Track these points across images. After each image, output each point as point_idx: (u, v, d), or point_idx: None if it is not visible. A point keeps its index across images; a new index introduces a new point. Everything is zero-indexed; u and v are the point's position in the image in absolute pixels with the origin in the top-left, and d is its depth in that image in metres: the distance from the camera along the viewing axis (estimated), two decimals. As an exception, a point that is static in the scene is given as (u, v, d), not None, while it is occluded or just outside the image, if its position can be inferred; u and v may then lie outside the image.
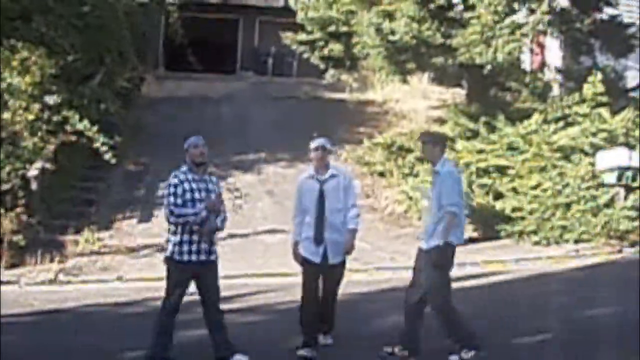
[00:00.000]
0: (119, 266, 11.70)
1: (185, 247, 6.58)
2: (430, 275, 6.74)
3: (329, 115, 19.15)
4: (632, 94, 16.27)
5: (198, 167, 6.75)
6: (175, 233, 6.65)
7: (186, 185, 6.64)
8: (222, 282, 6.86)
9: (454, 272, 6.84)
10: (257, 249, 12.42)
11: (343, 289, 7.38)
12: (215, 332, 6.64)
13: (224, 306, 6.81)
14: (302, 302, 7.06)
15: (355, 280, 7.13)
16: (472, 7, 14.45)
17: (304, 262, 7.09)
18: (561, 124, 13.98)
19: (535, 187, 13.03)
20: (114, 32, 17.15)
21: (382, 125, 18.74)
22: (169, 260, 6.71)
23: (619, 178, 12.74)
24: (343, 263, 7.21)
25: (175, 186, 6.63)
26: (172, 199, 6.59)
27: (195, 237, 6.58)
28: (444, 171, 6.93)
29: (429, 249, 6.77)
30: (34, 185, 12.46)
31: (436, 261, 6.72)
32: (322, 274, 7.09)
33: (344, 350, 7.13)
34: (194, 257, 6.58)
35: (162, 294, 6.62)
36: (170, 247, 6.69)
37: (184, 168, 6.78)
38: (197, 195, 6.62)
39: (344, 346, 7.18)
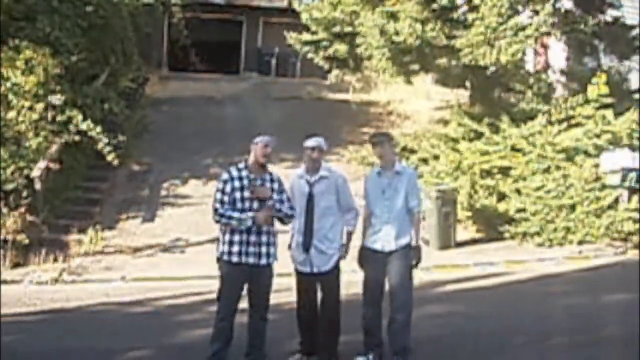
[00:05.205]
0: (122, 266, 11.71)
1: (236, 248, 6.17)
2: (407, 273, 6.69)
3: (333, 115, 19.16)
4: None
5: (259, 167, 6.38)
6: (225, 232, 6.24)
7: (236, 183, 6.23)
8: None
9: (459, 273, 6.82)
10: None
11: (346, 290, 7.01)
12: (251, 338, 6.33)
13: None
14: (297, 310, 6.80)
15: (355, 280, 7.06)
16: (475, 8, 14.44)
17: (295, 271, 6.77)
18: (565, 125, 13.95)
19: (538, 189, 13.02)
20: (118, 32, 17.23)
21: (385, 126, 18.72)
22: (219, 261, 6.32)
23: (623, 179, 12.72)
24: (334, 270, 6.68)
25: (225, 182, 6.24)
26: (218, 195, 6.20)
27: (245, 237, 6.16)
28: (409, 172, 6.99)
29: (400, 247, 6.65)
30: (37, 185, 12.47)
31: (418, 260, 6.75)
32: (316, 282, 6.69)
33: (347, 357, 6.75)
34: (244, 259, 6.17)
35: (166, 293, 6.55)
36: (220, 246, 6.30)
37: (241, 165, 6.41)
38: (241, 194, 6.21)
39: (346, 353, 6.81)
